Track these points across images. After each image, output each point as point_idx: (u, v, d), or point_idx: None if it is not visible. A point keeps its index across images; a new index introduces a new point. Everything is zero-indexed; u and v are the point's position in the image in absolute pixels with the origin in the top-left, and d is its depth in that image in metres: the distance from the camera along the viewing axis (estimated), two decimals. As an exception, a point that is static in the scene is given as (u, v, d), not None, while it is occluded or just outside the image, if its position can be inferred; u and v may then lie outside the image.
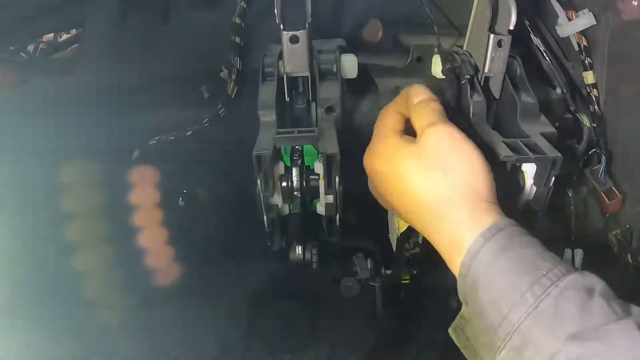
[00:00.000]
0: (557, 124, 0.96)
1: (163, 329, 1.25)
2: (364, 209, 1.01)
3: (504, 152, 0.75)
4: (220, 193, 1.17)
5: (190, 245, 1.28)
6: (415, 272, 0.98)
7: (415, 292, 1.12)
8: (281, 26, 0.83)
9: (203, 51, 1.06)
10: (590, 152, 1.06)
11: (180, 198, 1.24)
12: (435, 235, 0.66)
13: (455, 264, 0.62)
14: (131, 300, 1.24)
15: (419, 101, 0.73)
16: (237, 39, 0.99)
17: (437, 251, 0.65)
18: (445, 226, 0.63)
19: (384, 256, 0.98)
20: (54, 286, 1.09)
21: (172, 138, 1.04)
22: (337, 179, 0.77)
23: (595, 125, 1.08)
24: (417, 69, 0.92)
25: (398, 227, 0.88)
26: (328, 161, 0.76)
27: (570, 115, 1.06)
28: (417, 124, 0.71)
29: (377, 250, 0.99)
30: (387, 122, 0.75)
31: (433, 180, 0.65)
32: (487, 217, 0.61)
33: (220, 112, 1.03)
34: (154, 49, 1.06)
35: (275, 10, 0.82)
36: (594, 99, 1.09)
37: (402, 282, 1.02)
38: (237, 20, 0.99)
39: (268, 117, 0.83)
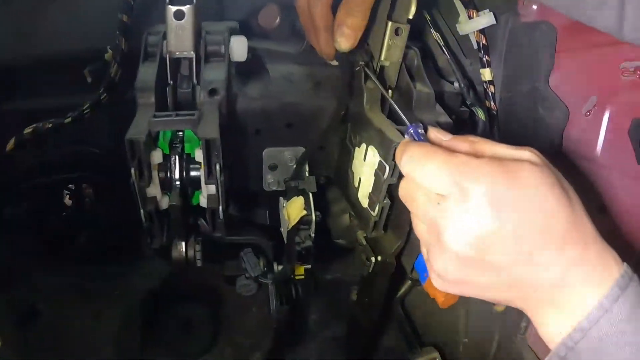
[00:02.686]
0: (453, 117, 0.92)
1: (55, 332, 1.09)
2: (253, 201, 0.92)
3: (397, 138, 0.67)
4: (106, 186, 1.03)
5: (79, 244, 1.15)
6: (309, 266, 0.89)
7: (313, 286, 1.03)
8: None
9: (89, 29, 0.92)
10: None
11: (67, 195, 1.10)
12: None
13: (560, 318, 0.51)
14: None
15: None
16: (125, 17, 0.86)
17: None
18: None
19: (277, 251, 0.89)
20: None
21: (50, 126, 0.89)
22: (217, 167, 0.66)
23: (489, 118, 1.06)
24: (311, 56, 0.83)
25: (288, 218, 0.79)
26: (207, 147, 0.65)
27: (466, 109, 1.02)
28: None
29: (269, 245, 0.89)
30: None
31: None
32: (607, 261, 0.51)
33: (102, 98, 0.90)
34: (36, 24, 0.91)
35: None
36: (490, 95, 1.07)
37: (296, 277, 0.93)
38: (127, -4, 0.87)
39: (146, 98, 0.71)
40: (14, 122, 0.91)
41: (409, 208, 0.57)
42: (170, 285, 1.16)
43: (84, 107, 0.89)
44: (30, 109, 0.95)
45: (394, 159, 0.68)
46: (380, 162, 0.70)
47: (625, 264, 0.51)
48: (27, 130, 0.91)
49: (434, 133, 0.60)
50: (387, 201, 0.73)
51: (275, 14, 0.94)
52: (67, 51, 0.92)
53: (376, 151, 0.71)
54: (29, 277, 1.11)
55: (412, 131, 0.62)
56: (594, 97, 0.99)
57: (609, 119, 0.96)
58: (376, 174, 0.71)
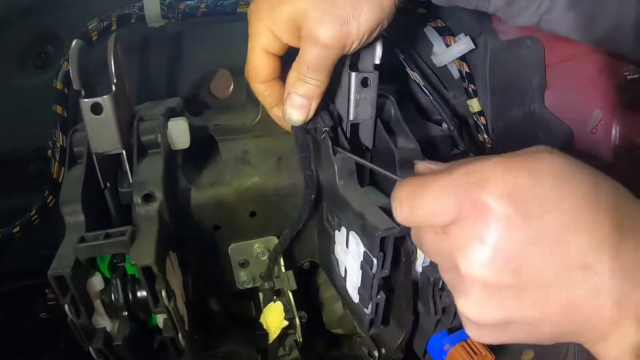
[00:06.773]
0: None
1: None
2: (228, 301, 0.75)
3: (382, 224, 0.51)
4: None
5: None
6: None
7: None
8: (82, 92, 0.57)
9: (30, 124, 0.79)
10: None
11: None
12: None
13: None
14: None
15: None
16: (58, 109, 0.74)
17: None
18: None
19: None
20: None
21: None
22: (163, 293, 0.50)
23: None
24: (270, 125, 0.67)
25: (268, 329, 0.62)
26: (145, 274, 0.49)
27: (458, 151, 0.86)
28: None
29: (252, 355, 0.70)
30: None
31: None
32: None
33: (48, 201, 0.77)
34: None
35: (71, 72, 0.56)
36: (482, 127, 0.92)
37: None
38: (59, 86, 0.73)
39: (73, 216, 0.56)
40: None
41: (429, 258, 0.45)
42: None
43: (32, 213, 0.78)
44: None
45: (381, 250, 0.52)
46: (365, 253, 0.53)
47: None
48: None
49: (424, 166, 0.45)
50: (381, 296, 0.56)
51: (228, 80, 0.79)
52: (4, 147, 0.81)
53: (359, 239, 0.55)
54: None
55: None
56: (598, 111, 0.83)
57: (618, 133, 0.81)
58: (363, 267, 0.54)
